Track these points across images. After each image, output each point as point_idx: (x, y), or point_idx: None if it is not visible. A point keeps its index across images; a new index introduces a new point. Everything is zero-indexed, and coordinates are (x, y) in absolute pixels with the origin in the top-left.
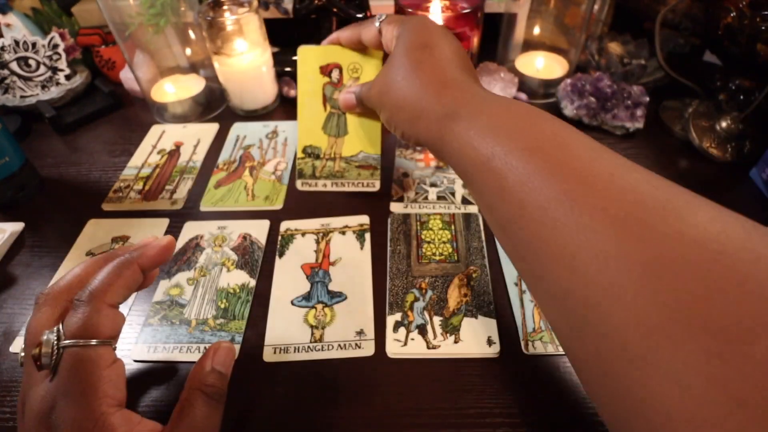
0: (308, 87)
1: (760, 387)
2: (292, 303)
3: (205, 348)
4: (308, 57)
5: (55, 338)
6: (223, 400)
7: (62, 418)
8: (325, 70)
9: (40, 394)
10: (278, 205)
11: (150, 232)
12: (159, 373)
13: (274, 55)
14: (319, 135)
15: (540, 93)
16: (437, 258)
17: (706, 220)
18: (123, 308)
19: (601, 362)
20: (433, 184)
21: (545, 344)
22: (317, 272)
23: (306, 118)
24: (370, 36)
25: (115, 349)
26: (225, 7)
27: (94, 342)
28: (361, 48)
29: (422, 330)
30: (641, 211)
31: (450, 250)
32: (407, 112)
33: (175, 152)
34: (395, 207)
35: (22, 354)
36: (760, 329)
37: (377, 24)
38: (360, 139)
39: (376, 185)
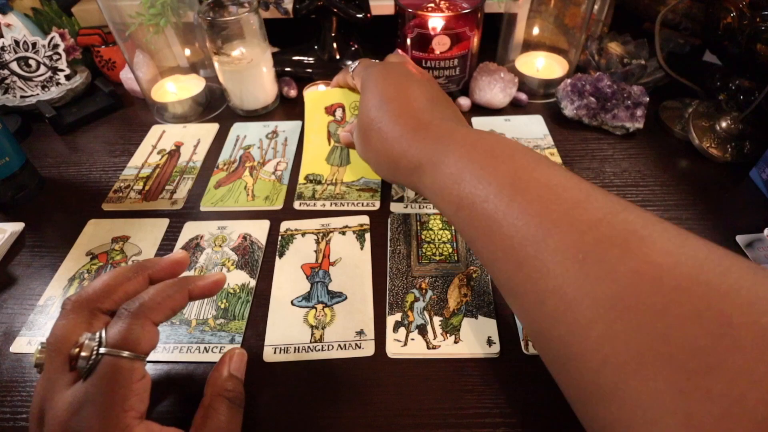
0: (314, 125)
1: (720, 420)
2: (292, 303)
3: (205, 348)
4: (314, 99)
5: (96, 344)
6: (243, 404)
7: (86, 425)
8: (330, 110)
9: (67, 401)
10: (278, 205)
11: (150, 233)
12: (159, 373)
13: (274, 55)
14: (322, 165)
15: (540, 93)
16: (437, 258)
17: (662, 255)
18: None
19: (580, 394)
20: None
21: None
22: (317, 272)
23: (310, 150)
24: (350, 82)
25: (145, 364)
26: (225, 7)
27: (131, 354)
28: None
29: (422, 330)
30: (601, 250)
31: (450, 250)
32: (384, 167)
33: (175, 152)
34: (395, 207)
35: (39, 355)
36: (717, 362)
37: (351, 72)
38: (362, 167)
39: (376, 205)
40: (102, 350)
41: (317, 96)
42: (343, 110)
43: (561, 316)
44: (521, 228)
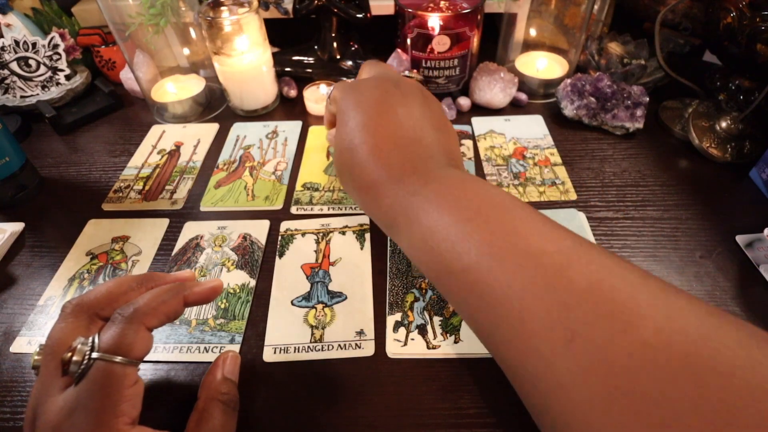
0: (314, 148)
1: None
2: (292, 303)
3: (204, 348)
4: (317, 132)
5: (89, 349)
6: (237, 407)
7: (77, 430)
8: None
9: (59, 405)
10: (278, 205)
11: (150, 233)
12: (159, 373)
13: (274, 55)
14: (320, 175)
15: (540, 93)
16: None
17: (654, 333)
18: None
19: None
20: None
21: None
22: (317, 272)
23: (309, 164)
24: (332, 110)
25: (138, 370)
26: (225, 7)
27: (124, 360)
28: None
29: (422, 330)
30: (589, 329)
31: None
32: (365, 209)
33: (175, 152)
34: None
35: (37, 357)
36: (671, 420)
37: (328, 99)
38: None
39: None
40: (94, 355)
41: (321, 129)
42: None
43: (555, 398)
44: (505, 302)
